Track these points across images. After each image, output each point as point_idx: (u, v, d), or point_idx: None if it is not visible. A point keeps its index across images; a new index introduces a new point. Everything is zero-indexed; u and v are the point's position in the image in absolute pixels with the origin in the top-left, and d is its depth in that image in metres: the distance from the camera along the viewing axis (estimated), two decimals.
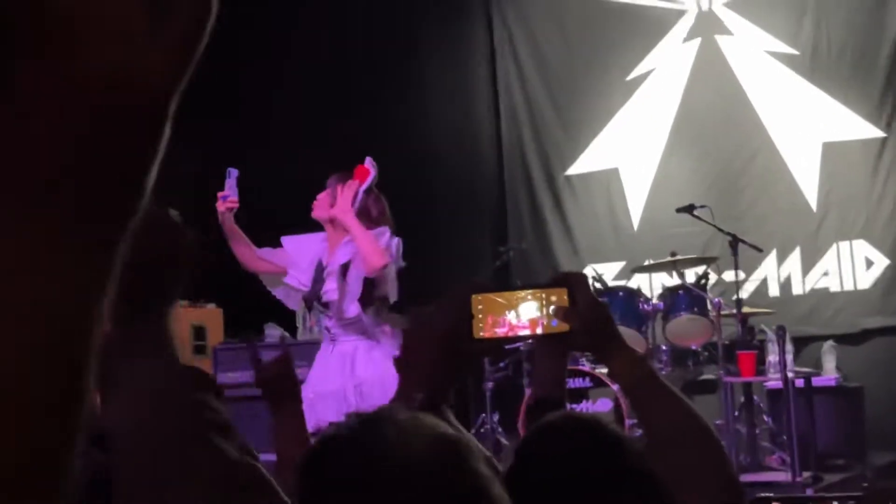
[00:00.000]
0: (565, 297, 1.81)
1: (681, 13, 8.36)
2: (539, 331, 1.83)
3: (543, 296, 1.82)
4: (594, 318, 1.80)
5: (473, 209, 8.69)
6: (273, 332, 7.05)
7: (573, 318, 1.80)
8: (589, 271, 7.52)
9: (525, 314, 1.82)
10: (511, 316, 1.82)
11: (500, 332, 1.82)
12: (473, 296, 1.81)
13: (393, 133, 8.64)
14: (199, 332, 7.37)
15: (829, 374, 7.11)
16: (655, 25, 8.39)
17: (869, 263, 7.71)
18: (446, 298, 1.86)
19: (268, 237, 6.15)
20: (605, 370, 6.68)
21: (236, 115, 8.64)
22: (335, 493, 1.11)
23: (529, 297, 1.82)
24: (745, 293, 7.32)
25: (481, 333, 1.81)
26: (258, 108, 8.84)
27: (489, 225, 8.69)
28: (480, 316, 1.81)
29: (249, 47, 8.72)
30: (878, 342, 7.56)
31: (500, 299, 1.83)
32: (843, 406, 6.92)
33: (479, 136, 8.82)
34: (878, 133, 7.71)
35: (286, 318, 7.16)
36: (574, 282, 1.83)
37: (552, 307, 1.81)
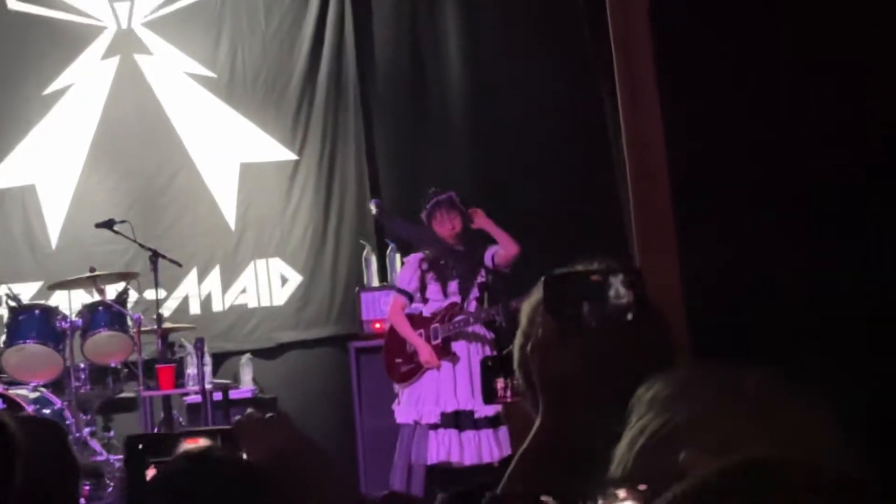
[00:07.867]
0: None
1: (100, 29, 8.25)
2: None
3: None
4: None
5: None
6: None
7: None
8: (3, 290, 7.18)
9: None
10: None
11: None
12: None
13: None
14: None
15: (246, 386, 7.39)
16: (75, 40, 8.20)
17: (284, 280, 8.05)
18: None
19: None
20: None
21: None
22: None
23: None
24: (166, 311, 7.42)
25: None
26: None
27: None
28: None
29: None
30: (292, 355, 7.93)
31: None
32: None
33: None
34: (291, 156, 8.10)
35: None
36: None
37: None
